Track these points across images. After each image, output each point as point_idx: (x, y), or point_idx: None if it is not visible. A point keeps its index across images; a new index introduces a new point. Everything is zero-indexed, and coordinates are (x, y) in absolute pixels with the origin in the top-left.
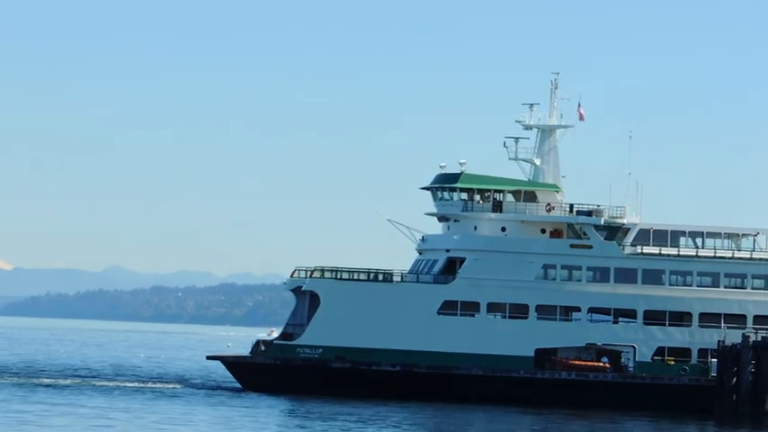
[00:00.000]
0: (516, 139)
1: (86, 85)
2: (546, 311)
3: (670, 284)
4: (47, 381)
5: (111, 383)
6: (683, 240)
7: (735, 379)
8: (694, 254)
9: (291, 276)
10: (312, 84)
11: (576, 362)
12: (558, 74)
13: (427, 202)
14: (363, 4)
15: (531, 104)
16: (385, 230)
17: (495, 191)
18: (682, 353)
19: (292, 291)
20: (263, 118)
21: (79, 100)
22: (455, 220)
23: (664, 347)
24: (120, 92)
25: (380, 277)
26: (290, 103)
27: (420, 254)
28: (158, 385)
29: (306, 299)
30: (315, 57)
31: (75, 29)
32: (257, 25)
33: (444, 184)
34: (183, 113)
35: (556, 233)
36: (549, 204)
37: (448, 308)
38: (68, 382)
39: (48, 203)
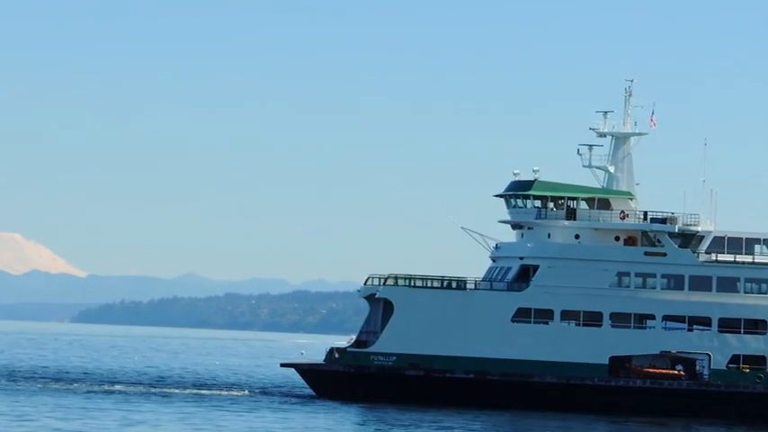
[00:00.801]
0: (590, 146)
1: (149, 92)
2: (620, 319)
3: (745, 292)
4: (121, 388)
5: (186, 391)
6: (758, 248)
7: None
8: None
9: (365, 284)
10: (386, 93)
11: (651, 370)
12: (632, 81)
13: (501, 209)
14: (435, 7)
15: (605, 112)
16: (459, 238)
17: (569, 198)
18: (757, 360)
19: (366, 298)
20: (335, 126)
21: (146, 107)
22: (529, 228)
23: (739, 355)
24: (189, 99)
25: (454, 285)
26: (362, 112)
27: (494, 261)
28: (233, 393)
29: (379, 306)
30: (388, 65)
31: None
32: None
33: (518, 191)
34: (258, 123)
35: (630, 240)
36: (623, 212)
37: (522, 315)
38: (142, 389)
39: (121, 211)
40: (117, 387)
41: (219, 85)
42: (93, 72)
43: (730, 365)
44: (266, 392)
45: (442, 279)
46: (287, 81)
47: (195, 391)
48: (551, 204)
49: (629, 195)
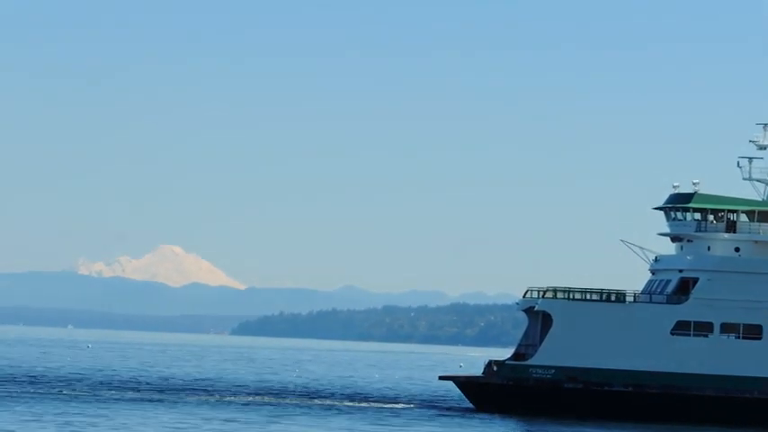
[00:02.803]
0: (750, 159)
1: (315, 110)
2: None
3: None
4: (277, 400)
5: (347, 403)
6: None
7: None
8: None
9: (524, 297)
10: (545, 104)
11: None
12: None
13: (660, 222)
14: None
15: (766, 124)
16: (618, 250)
17: (729, 211)
18: None
19: (524, 311)
20: (496, 139)
21: (303, 125)
22: (688, 240)
23: None
24: (344, 115)
25: (613, 297)
26: (521, 122)
27: (653, 274)
28: (394, 405)
29: (538, 319)
30: (554, 79)
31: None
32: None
33: (677, 204)
34: (417, 135)
35: None
36: None
37: (681, 328)
38: (303, 401)
39: (280, 224)
40: (272, 399)
41: (373, 99)
42: (262, 80)
43: None
44: (425, 405)
45: (600, 292)
46: (445, 92)
47: (356, 403)
48: (711, 217)
49: None
